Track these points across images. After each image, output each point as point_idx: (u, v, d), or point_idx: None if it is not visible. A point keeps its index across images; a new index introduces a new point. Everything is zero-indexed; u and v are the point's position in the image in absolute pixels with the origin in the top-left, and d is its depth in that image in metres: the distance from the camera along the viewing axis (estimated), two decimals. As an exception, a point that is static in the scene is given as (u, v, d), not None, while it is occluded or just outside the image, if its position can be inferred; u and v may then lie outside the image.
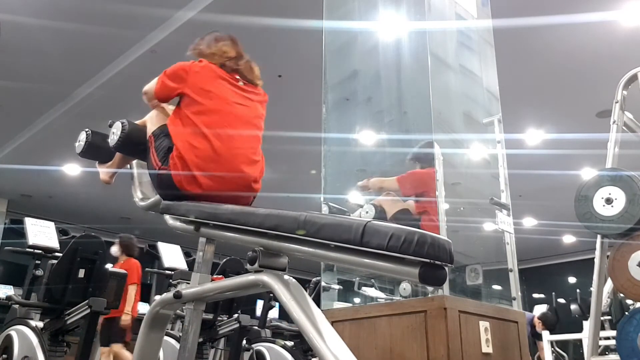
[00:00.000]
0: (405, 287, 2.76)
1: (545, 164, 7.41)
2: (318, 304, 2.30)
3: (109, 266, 3.91)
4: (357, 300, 3.20)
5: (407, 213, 2.90)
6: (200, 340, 3.93)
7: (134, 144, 1.84)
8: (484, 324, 2.43)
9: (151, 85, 1.87)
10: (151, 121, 1.87)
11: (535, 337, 6.97)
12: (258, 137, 1.88)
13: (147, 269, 5.82)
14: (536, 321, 7.22)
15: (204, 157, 1.70)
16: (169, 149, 1.75)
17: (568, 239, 10.94)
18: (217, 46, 1.90)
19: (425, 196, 2.80)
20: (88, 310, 3.26)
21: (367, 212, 2.91)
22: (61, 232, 3.95)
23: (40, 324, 3.36)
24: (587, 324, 4.88)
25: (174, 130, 1.76)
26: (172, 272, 4.35)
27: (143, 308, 4.31)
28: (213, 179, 1.70)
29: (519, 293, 2.92)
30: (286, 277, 1.39)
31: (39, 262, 3.70)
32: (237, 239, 1.51)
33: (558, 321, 7.40)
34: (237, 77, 1.88)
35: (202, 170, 1.69)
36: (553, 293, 8.27)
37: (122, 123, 1.84)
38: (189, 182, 1.69)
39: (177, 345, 3.62)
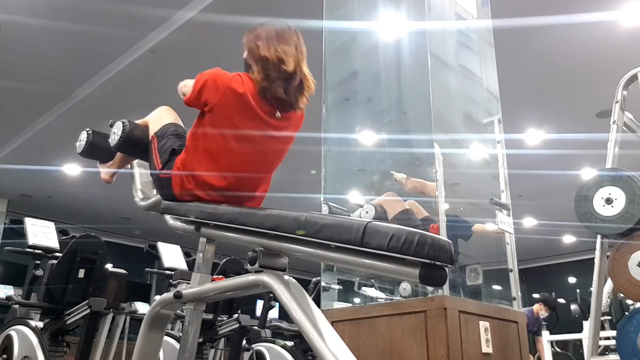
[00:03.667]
0: (405, 287, 2.76)
1: (545, 164, 7.40)
2: (318, 304, 2.30)
3: (109, 266, 3.91)
4: (357, 300, 3.20)
5: (409, 213, 2.90)
6: (200, 340, 3.93)
7: (135, 144, 1.84)
8: (484, 324, 2.43)
9: (188, 89, 1.72)
10: (153, 121, 1.86)
11: (535, 333, 6.88)
12: (272, 170, 1.81)
13: (147, 269, 5.82)
14: (538, 308, 7.02)
15: (208, 179, 1.67)
16: (173, 150, 1.74)
17: (568, 239, 10.94)
18: (275, 49, 1.66)
19: None
20: (88, 310, 3.26)
21: (367, 212, 2.91)
22: (61, 232, 3.94)
23: (40, 324, 3.36)
24: (587, 324, 4.89)
25: (191, 140, 1.70)
26: (172, 272, 4.35)
27: (143, 308, 4.30)
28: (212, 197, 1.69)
29: (519, 293, 2.92)
30: (286, 277, 1.39)
31: (39, 262, 3.70)
32: (238, 239, 1.51)
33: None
34: (275, 107, 1.68)
35: (203, 189, 1.68)
36: (553, 293, 8.26)
37: (123, 123, 1.84)
38: (188, 193, 1.68)
39: (177, 345, 3.62)
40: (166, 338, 3.72)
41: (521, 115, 6.25)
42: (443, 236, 1.13)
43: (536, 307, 7.11)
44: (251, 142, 1.68)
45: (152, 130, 1.82)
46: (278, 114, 1.69)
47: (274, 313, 6.02)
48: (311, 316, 1.27)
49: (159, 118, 1.86)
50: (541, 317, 6.98)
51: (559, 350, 6.96)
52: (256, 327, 4.24)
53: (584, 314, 6.34)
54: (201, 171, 1.66)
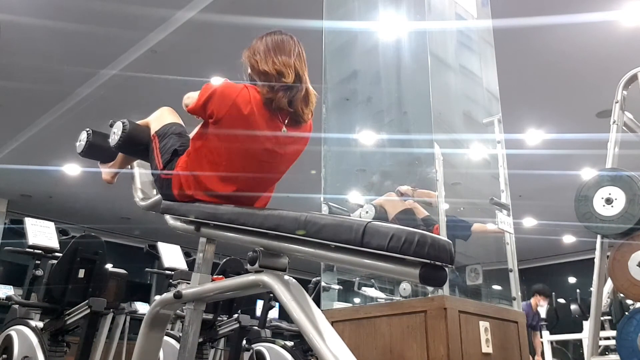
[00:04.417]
0: (405, 287, 2.76)
1: (545, 164, 7.40)
2: (318, 304, 2.30)
3: (109, 266, 3.91)
4: (357, 300, 3.20)
5: (410, 213, 2.91)
6: (200, 340, 3.93)
7: (135, 144, 1.84)
8: (484, 324, 2.43)
9: (192, 99, 1.72)
10: (155, 121, 1.85)
11: (534, 328, 6.65)
12: (273, 183, 1.80)
13: (147, 269, 5.82)
14: (535, 300, 6.78)
15: (210, 186, 1.66)
16: (175, 151, 1.73)
17: (568, 239, 10.94)
18: (274, 62, 1.67)
19: None
20: (88, 310, 3.26)
21: (367, 212, 2.91)
22: (61, 232, 3.95)
23: (40, 324, 3.36)
24: (587, 324, 4.89)
25: (194, 146, 1.70)
26: (172, 272, 4.35)
27: (143, 308, 4.30)
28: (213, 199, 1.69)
29: (519, 293, 2.92)
30: (286, 277, 1.39)
31: (39, 262, 3.69)
32: (238, 239, 1.51)
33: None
34: (281, 121, 1.68)
35: (203, 196, 1.67)
36: (553, 293, 8.26)
37: (123, 123, 1.83)
38: (188, 197, 1.67)
39: (177, 345, 3.62)
40: (166, 338, 3.72)
41: (521, 115, 6.25)
42: (443, 236, 1.13)
43: (533, 300, 6.92)
44: (255, 159, 1.68)
45: (153, 129, 1.82)
46: (284, 130, 1.68)
47: (274, 313, 6.02)
48: (311, 316, 1.27)
49: (160, 118, 1.86)
50: (540, 309, 6.82)
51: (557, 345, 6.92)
52: (256, 327, 4.23)
53: (584, 314, 6.34)
54: (203, 178, 1.65)
